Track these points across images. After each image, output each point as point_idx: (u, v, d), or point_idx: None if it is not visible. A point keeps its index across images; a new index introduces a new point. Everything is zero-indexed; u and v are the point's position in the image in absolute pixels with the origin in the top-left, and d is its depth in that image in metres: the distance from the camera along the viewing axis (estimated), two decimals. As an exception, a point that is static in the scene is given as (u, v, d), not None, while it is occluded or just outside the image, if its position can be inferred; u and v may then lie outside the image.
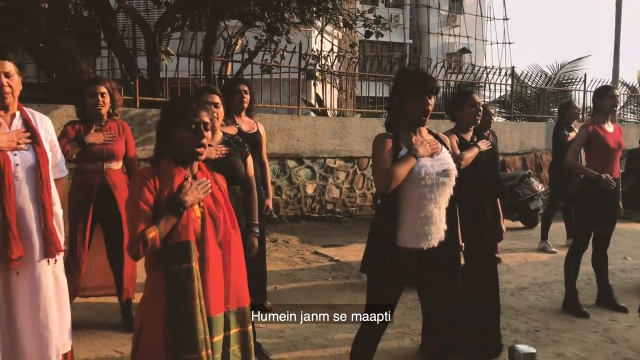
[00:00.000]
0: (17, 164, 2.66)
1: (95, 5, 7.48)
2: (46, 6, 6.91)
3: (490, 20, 21.68)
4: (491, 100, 12.73)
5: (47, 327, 2.68)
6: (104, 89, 4.00)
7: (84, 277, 4.01)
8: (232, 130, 3.74)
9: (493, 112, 5.55)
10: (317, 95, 10.91)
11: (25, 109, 2.85)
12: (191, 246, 2.14)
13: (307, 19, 8.31)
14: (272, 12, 7.82)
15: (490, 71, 11.78)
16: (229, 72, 9.04)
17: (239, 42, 9.08)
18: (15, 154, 2.67)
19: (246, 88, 4.32)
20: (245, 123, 4.35)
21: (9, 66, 2.69)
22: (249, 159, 3.46)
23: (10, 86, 2.69)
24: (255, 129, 4.46)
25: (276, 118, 8.60)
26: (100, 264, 4.17)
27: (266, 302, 4.55)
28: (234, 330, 2.26)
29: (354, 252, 6.57)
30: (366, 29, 8.66)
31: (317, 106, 10.81)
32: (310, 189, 8.95)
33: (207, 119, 2.23)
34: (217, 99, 3.34)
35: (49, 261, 2.73)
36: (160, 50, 7.42)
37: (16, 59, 2.77)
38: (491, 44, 21.25)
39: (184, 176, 2.22)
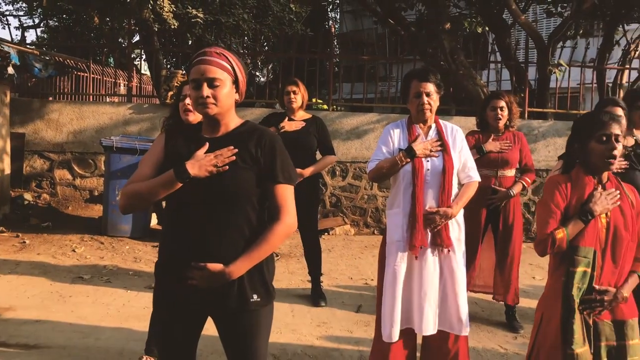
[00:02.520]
0: (428, 169, 3.16)
1: (491, 22, 7.93)
2: (448, 26, 7.70)
3: None
4: None
5: (429, 301, 3.10)
6: (503, 103, 4.32)
7: (476, 274, 4.40)
8: (629, 142, 3.59)
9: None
10: None
11: (440, 121, 3.34)
12: (594, 253, 2.24)
13: None
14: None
15: None
16: (624, 81, 8.40)
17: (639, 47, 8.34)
18: (428, 160, 3.18)
19: None
20: None
21: (430, 87, 3.20)
22: None
23: (429, 104, 3.20)
24: None
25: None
26: (490, 264, 4.49)
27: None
28: (631, 342, 2.27)
29: None
30: None
31: None
32: None
33: (617, 131, 2.29)
34: (620, 112, 3.28)
35: (439, 251, 3.15)
36: (552, 63, 7.41)
37: (436, 79, 3.26)
38: None
39: (593, 185, 2.33)
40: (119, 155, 6.29)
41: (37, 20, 19.13)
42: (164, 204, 2.31)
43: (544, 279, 5.87)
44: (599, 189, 2.33)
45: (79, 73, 9.40)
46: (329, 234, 7.25)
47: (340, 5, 20.56)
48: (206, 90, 1.93)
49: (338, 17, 22.77)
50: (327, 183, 7.53)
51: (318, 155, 4.70)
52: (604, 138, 2.29)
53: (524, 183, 4.36)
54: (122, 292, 4.71)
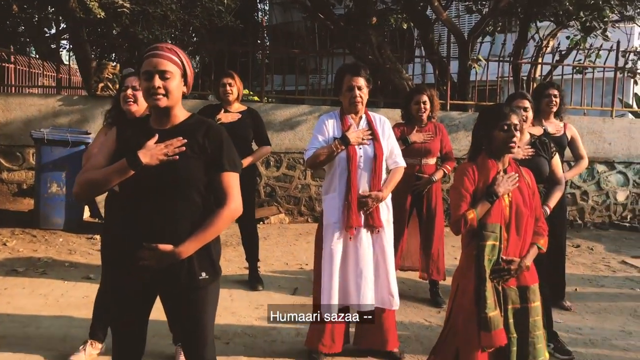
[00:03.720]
0: (361, 156, 3.44)
1: (415, 18, 8.33)
2: (375, 21, 8.04)
3: None
4: None
5: (365, 278, 3.39)
6: (425, 98, 4.67)
7: (403, 254, 4.75)
8: (538, 131, 4.01)
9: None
10: (636, 95, 10.06)
11: (369, 112, 3.63)
12: (500, 228, 2.60)
13: (629, 15, 7.82)
14: (589, 10, 7.62)
15: None
16: (537, 74, 9.05)
17: (550, 43, 9.01)
18: (360, 148, 3.45)
19: (556, 92, 4.51)
20: (552, 125, 4.54)
21: (361, 81, 3.48)
22: (555, 160, 3.69)
23: (361, 97, 3.47)
24: (562, 132, 4.61)
25: (586, 120, 8.32)
26: (415, 246, 4.85)
27: (564, 301, 4.68)
28: (533, 304, 2.64)
29: (669, 266, 6.06)
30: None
31: (636, 107, 9.97)
32: (621, 197, 8.42)
33: (516, 121, 2.65)
34: (526, 104, 3.67)
35: (371, 232, 3.44)
36: (472, 58, 7.91)
37: (367, 74, 3.54)
38: None
39: (496, 170, 2.67)
40: (50, 147, 6.21)
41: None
42: (100, 197, 2.46)
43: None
44: (501, 172, 2.68)
45: (2, 64, 9.08)
46: (264, 223, 7.45)
47: (270, -4, 20.64)
48: (157, 81, 2.10)
49: (267, 8, 22.82)
50: (262, 173, 7.71)
51: (254, 146, 4.90)
52: (505, 127, 2.65)
53: (445, 170, 4.73)
54: (59, 282, 4.73)
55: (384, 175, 3.51)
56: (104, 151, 2.20)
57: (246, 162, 4.58)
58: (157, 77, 2.11)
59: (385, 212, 3.50)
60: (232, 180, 2.20)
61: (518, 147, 2.87)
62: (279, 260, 5.82)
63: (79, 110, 7.35)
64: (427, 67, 9.84)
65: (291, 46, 12.21)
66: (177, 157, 2.09)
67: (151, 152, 2.08)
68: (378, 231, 3.43)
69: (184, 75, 2.19)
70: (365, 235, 3.41)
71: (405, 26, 9.77)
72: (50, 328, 3.82)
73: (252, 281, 4.88)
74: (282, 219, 7.67)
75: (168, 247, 2.08)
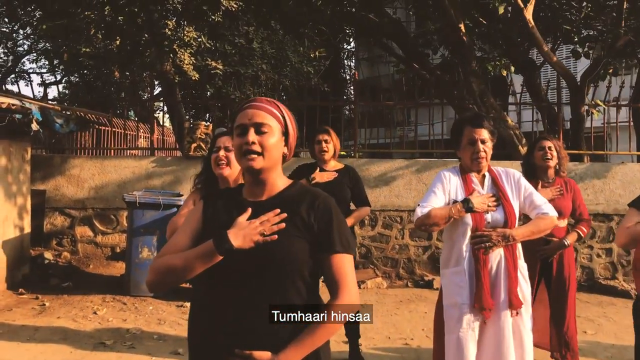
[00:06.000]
0: (489, 222, 2.86)
1: (518, 62, 7.73)
2: (475, 66, 7.50)
3: None
4: None
5: None
6: (550, 144, 4.04)
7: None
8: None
9: None
10: None
11: (493, 168, 3.07)
12: None
13: None
14: None
15: None
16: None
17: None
18: (487, 212, 2.88)
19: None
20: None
21: (485, 133, 2.95)
22: None
23: (485, 151, 2.94)
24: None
25: None
26: (544, 321, 4.12)
27: None
28: None
29: None
30: None
31: None
32: None
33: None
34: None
35: (509, 314, 2.82)
36: (591, 103, 7.15)
37: (490, 126, 3.01)
38: None
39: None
40: (142, 211, 6.07)
41: (59, 77, 19.49)
42: None
43: (596, 333, 5.52)
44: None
45: (100, 127, 9.33)
46: (360, 287, 6.89)
47: (356, 53, 20.66)
48: (252, 136, 1.69)
49: (353, 64, 22.89)
50: (356, 233, 7.22)
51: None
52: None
53: (580, 232, 4.03)
54: (147, 359, 4.39)
55: (519, 245, 2.90)
56: (187, 228, 1.78)
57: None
58: (252, 130, 1.70)
59: (525, 287, 2.87)
60: (345, 265, 1.70)
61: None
62: (379, 333, 5.21)
63: (172, 172, 7.26)
64: (522, 115, 9.07)
65: (378, 100, 11.92)
66: (276, 236, 1.64)
67: (244, 232, 1.63)
68: (517, 313, 2.80)
69: (285, 133, 1.77)
70: (502, 318, 2.78)
71: (504, 73, 9.16)
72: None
73: (354, 361, 4.31)
74: (380, 284, 7.07)
75: (266, 354, 1.60)
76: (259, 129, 1.70)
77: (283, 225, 1.65)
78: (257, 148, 1.69)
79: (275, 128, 1.73)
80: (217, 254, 1.63)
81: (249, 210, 1.70)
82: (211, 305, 1.71)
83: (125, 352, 4.54)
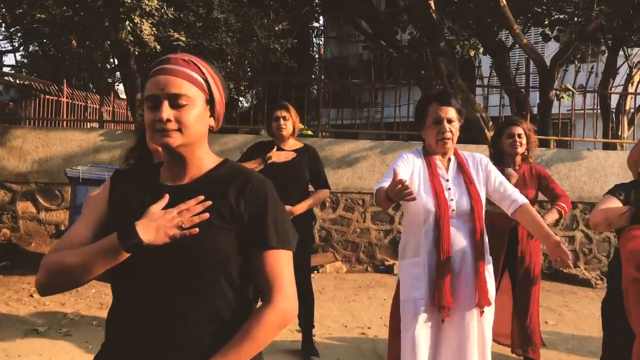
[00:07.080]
0: (454, 210, 2.61)
1: (489, 45, 7.52)
2: (445, 47, 7.26)
3: None
4: None
5: None
6: (520, 130, 3.83)
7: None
8: None
9: None
10: None
11: (460, 152, 2.81)
12: None
13: None
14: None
15: None
16: (627, 106, 8.01)
17: (641, 72, 7.99)
18: (452, 199, 2.62)
19: (520, 131, 3.87)
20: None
21: (452, 112, 2.68)
22: None
23: (451, 132, 2.67)
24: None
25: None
26: (505, 311, 3.94)
27: None
28: None
29: None
30: None
31: None
32: None
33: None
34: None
35: (473, 312, 2.59)
36: (561, 87, 6.99)
37: (458, 104, 2.74)
38: None
39: None
40: (86, 187, 5.64)
41: (16, 44, 18.53)
42: None
43: (557, 323, 5.40)
44: None
45: (48, 97, 8.78)
46: (318, 272, 6.65)
47: (325, 31, 20.25)
48: (167, 111, 1.34)
49: (322, 42, 22.48)
50: (317, 215, 6.95)
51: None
52: None
53: (559, 209, 3.74)
54: (82, 351, 4.04)
55: (485, 239, 2.67)
56: (89, 216, 1.44)
57: (299, 208, 3.80)
58: (166, 104, 1.35)
59: (490, 283, 2.64)
60: (281, 263, 1.40)
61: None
62: (336, 321, 4.97)
63: (122, 146, 6.82)
64: (489, 100, 8.92)
65: (346, 79, 11.65)
66: (197, 229, 1.33)
67: (157, 224, 1.31)
68: (483, 312, 2.57)
69: (211, 100, 1.43)
70: (464, 317, 2.54)
71: (472, 54, 8.95)
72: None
73: (306, 352, 4.06)
74: (339, 268, 6.84)
75: None
76: (175, 101, 1.35)
77: (207, 215, 1.34)
78: (173, 126, 1.35)
79: (197, 97, 1.38)
80: (122, 251, 1.31)
81: (166, 196, 1.37)
82: (119, 299, 1.42)
83: (60, 339, 4.19)
